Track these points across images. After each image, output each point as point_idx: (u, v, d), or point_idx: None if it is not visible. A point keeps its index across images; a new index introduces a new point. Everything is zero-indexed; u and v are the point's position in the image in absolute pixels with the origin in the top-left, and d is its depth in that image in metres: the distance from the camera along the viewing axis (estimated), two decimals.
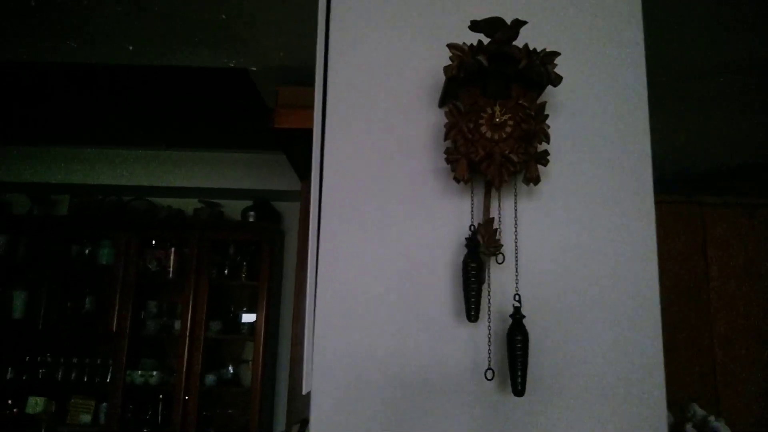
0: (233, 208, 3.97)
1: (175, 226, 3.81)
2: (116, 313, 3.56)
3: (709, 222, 2.72)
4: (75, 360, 3.60)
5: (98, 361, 3.59)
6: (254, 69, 2.15)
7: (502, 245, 0.93)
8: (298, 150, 2.05)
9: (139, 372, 3.54)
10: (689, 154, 3.17)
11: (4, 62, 2.28)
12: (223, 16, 1.76)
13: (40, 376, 3.57)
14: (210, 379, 3.56)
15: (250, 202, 3.91)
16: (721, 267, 2.69)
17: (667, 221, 2.70)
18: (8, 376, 3.55)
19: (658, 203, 1.03)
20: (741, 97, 2.40)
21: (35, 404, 3.45)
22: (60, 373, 3.58)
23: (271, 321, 3.71)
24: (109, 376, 3.54)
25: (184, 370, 3.51)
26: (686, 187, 3.60)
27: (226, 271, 3.75)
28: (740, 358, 2.59)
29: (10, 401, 3.58)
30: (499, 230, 0.94)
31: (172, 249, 3.73)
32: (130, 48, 1.98)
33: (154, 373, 3.55)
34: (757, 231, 2.72)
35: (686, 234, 2.71)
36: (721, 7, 1.76)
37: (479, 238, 0.93)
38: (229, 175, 3.76)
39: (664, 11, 1.76)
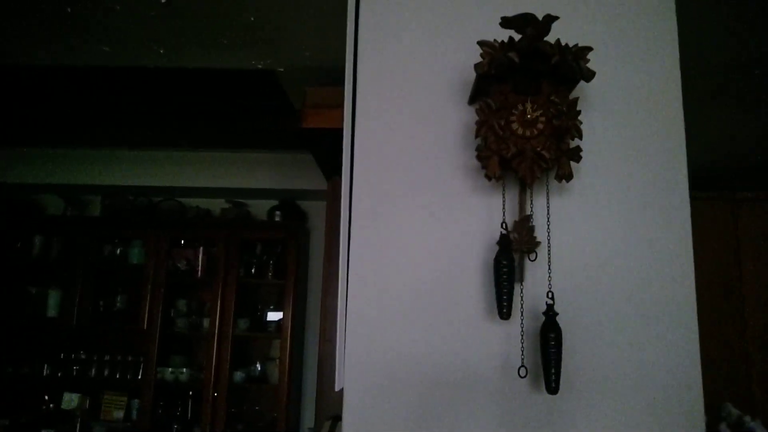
0: (260, 207, 4.01)
1: (203, 225, 3.87)
2: (147, 311, 3.63)
3: (742, 218, 2.66)
4: (107, 357, 3.68)
5: (130, 358, 3.66)
6: (281, 70, 2.17)
7: (538, 243, 0.93)
8: (325, 149, 2.06)
9: (170, 369, 3.60)
10: (722, 150, 3.11)
11: (41, 66, 2.34)
12: (252, 18, 1.78)
13: (74, 373, 3.66)
14: (238, 376, 3.61)
15: (276, 202, 3.95)
16: (756, 264, 2.63)
17: (699, 218, 2.64)
18: (44, 372, 3.65)
19: (691, 199, 1.01)
20: None
21: (70, 400, 3.53)
22: (93, 369, 3.66)
23: (298, 319, 3.74)
24: (140, 373, 3.61)
25: (213, 367, 3.56)
26: (718, 182, 3.52)
27: (253, 270, 3.79)
28: None
29: (46, 397, 3.68)
30: (533, 227, 0.94)
31: (201, 248, 3.78)
32: (161, 51, 2.02)
33: (184, 370, 3.61)
34: None
35: (718, 231, 2.66)
36: (755, 1, 1.72)
37: (514, 235, 0.93)
38: (255, 175, 3.79)
39: (697, 5, 1.72)
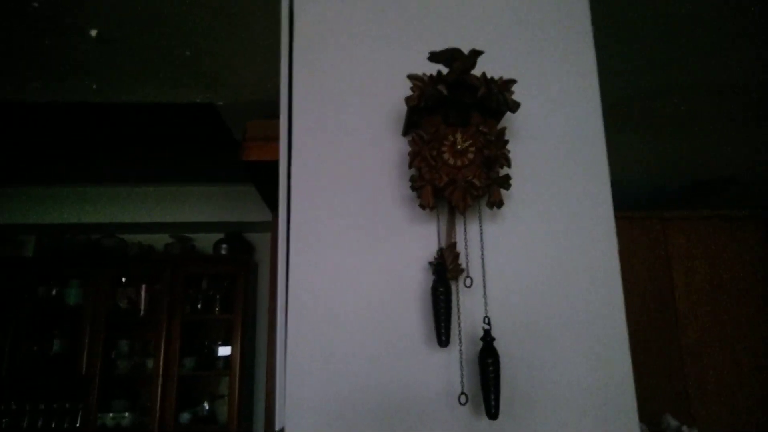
0: (205, 241, 3.93)
1: (146, 262, 3.75)
2: (86, 354, 3.46)
3: (671, 235, 2.80)
4: (42, 406, 3.46)
5: (67, 406, 3.46)
6: (221, 104, 2.16)
7: (464, 269, 0.95)
8: (267, 181, 2.05)
9: (111, 414, 3.43)
10: (652, 172, 3.28)
11: None
12: (187, 53, 1.77)
13: (3, 425, 3.42)
14: (185, 417, 3.47)
15: (222, 235, 3.88)
16: (686, 279, 2.77)
17: (631, 237, 2.77)
18: None
19: (622, 219, 1.06)
20: (694, 116, 2.50)
21: None
22: (26, 420, 3.44)
23: (247, 354, 3.65)
24: (78, 421, 3.42)
25: (158, 409, 3.41)
26: (649, 203, 3.70)
27: (199, 306, 3.69)
28: (709, 368, 2.64)
29: None
30: (464, 253, 0.96)
31: (143, 286, 3.66)
32: (94, 86, 1.98)
33: (126, 414, 3.45)
34: (718, 241, 2.80)
35: (650, 248, 2.79)
36: (670, 32, 1.85)
37: (445, 262, 0.94)
38: (199, 208, 3.72)
39: (616, 36, 1.83)
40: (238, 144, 2.09)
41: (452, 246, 0.96)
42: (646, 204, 3.63)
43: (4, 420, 3.43)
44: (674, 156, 2.96)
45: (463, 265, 0.96)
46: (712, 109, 2.42)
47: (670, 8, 1.71)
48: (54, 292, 3.66)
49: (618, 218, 1.04)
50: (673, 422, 2.16)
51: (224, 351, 3.65)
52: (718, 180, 3.29)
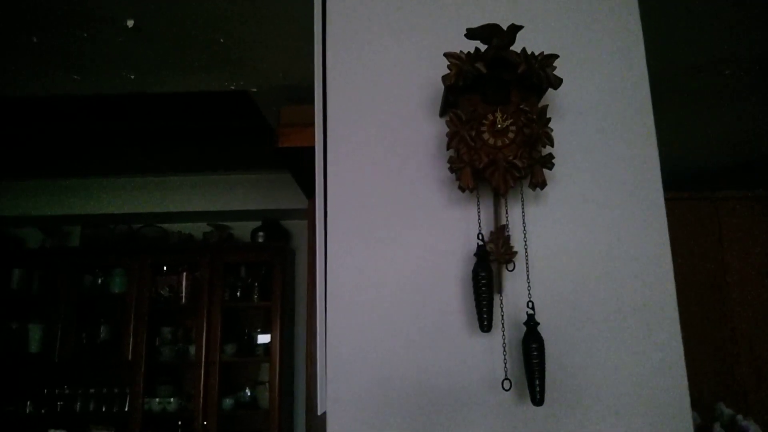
0: (243, 229, 3.98)
1: (185, 250, 3.83)
2: (131, 341, 3.57)
3: (724, 217, 2.68)
4: (92, 390, 3.60)
5: (115, 390, 3.58)
6: (255, 90, 2.16)
7: (515, 252, 0.92)
8: (303, 168, 2.05)
9: (157, 399, 3.53)
10: (701, 151, 3.15)
11: (11, 97, 2.31)
12: (221, 40, 1.77)
13: (58, 409, 3.57)
14: (228, 402, 3.54)
15: (259, 223, 3.92)
16: (739, 262, 2.65)
17: (682, 219, 2.66)
18: (27, 410, 3.56)
19: (671, 201, 1.01)
20: (746, 91, 2.38)
21: None
22: (78, 404, 3.58)
23: (286, 341, 3.70)
24: (127, 405, 3.54)
25: (202, 395, 3.49)
26: (700, 183, 3.56)
27: (238, 293, 3.74)
28: (765, 355, 2.53)
29: None
30: (509, 237, 0.93)
31: (184, 274, 3.73)
32: (132, 77, 2.00)
33: (172, 399, 3.54)
34: None
35: (701, 230, 2.68)
36: (720, 3, 1.75)
37: (490, 246, 0.91)
38: (236, 196, 3.77)
39: (662, 8, 1.75)
40: (273, 131, 2.10)
41: (501, 229, 0.93)
42: (697, 184, 3.49)
43: (59, 403, 3.57)
44: (726, 133, 2.83)
45: (515, 248, 0.92)
46: (764, 84, 2.30)
47: None
48: (99, 281, 3.77)
49: (668, 200, 0.99)
50: (727, 411, 2.08)
51: (264, 338, 3.70)
52: None
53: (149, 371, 3.58)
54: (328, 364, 0.94)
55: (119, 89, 2.16)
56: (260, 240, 3.84)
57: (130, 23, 1.66)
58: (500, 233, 0.92)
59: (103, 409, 3.56)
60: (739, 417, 1.99)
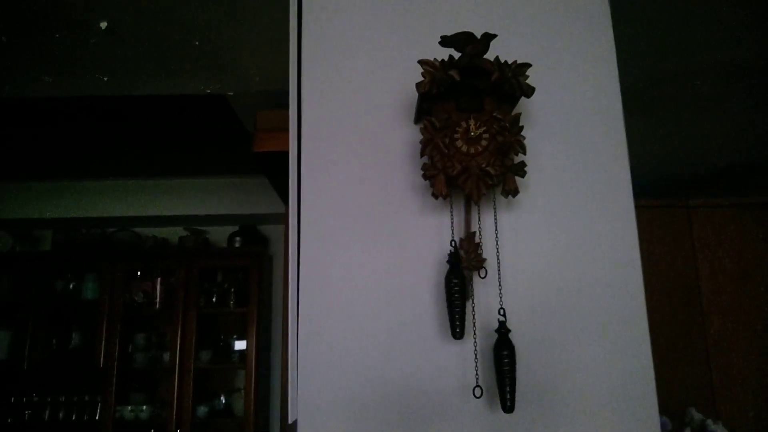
0: (219, 234, 3.94)
1: (160, 255, 3.77)
2: (103, 347, 3.50)
3: (696, 224, 2.73)
4: (62, 399, 3.51)
5: (86, 398, 3.51)
6: (231, 94, 2.15)
7: (485, 259, 0.92)
8: (280, 173, 2.04)
9: (129, 407, 3.47)
10: (675, 158, 3.21)
11: None
12: (197, 43, 1.75)
13: (26, 418, 3.48)
14: (202, 410, 3.49)
15: (236, 228, 3.88)
16: (712, 268, 2.70)
17: (655, 225, 2.70)
18: None
19: (645, 208, 1.03)
20: (719, 100, 2.43)
21: None
22: (47, 412, 3.49)
23: (262, 348, 3.66)
24: (98, 413, 3.46)
25: (175, 402, 3.44)
26: (673, 190, 3.63)
27: (214, 299, 3.70)
28: (735, 360, 2.58)
29: None
30: (480, 244, 0.93)
31: (159, 279, 3.68)
32: (105, 79, 1.97)
33: (144, 407, 3.48)
34: (745, 230, 2.73)
35: (675, 237, 2.72)
36: (691, 13, 1.79)
37: (461, 253, 0.92)
38: (213, 201, 3.73)
39: (634, 17, 1.78)
40: (250, 135, 2.08)
41: (471, 236, 0.93)
42: (670, 192, 3.55)
43: (26, 412, 3.48)
44: (697, 142, 2.88)
45: (483, 255, 0.93)
46: (734, 93, 2.35)
47: None
48: (71, 286, 3.69)
49: (640, 207, 1.00)
50: (697, 416, 2.12)
51: (240, 345, 3.66)
52: (743, 166, 3.21)
53: (122, 378, 3.51)
54: (300, 371, 0.93)
55: (93, 91, 2.12)
56: (237, 245, 3.80)
57: (104, 25, 1.64)
58: (470, 240, 0.93)
59: (73, 418, 3.48)
60: (709, 422, 2.03)
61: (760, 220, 2.74)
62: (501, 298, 0.91)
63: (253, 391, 3.47)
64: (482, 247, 0.94)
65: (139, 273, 3.73)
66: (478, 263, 0.91)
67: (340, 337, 0.94)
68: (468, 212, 0.95)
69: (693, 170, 3.37)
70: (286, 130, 1.11)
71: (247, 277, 3.69)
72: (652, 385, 0.93)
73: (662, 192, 3.42)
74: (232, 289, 3.69)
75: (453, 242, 0.92)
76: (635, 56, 2.00)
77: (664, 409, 0.94)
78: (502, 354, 0.86)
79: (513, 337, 0.88)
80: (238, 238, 3.81)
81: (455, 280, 0.89)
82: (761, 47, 2.00)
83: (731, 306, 2.66)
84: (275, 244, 4.00)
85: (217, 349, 3.66)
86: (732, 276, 2.69)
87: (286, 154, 1.09)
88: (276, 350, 3.83)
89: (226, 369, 3.72)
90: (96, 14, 1.64)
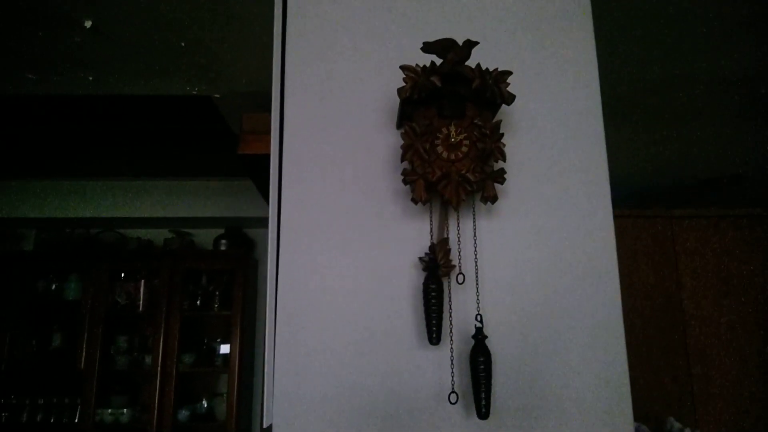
0: (205, 236, 3.91)
1: (144, 257, 3.73)
2: (84, 349, 3.45)
3: (679, 234, 2.76)
4: (41, 401, 3.46)
5: (66, 401, 3.46)
6: (218, 96, 2.14)
7: (455, 265, 0.93)
8: (264, 175, 2.03)
9: (109, 410, 3.42)
10: (658, 169, 3.24)
11: None
12: (183, 44, 1.75)
13: (3, 420, 3.42)
14: (183, 414, 3.46)
15: (221, 230, 3.86)
16: (694, 279, 2.73)
17: (638, 235, 2.73)
18: None
19: (628, 218, 1.03)
20: (701, 111, 2.46)
21: None
22: (25, 415, 3.44)
23: (246, 352, 3.63)
24: (77, 416, 3.41)
25: (157, 406, 3.40)
26: (657, 201, 3.66)
27: (198, 302, 3.67)
28: (716, 369, 2.60)
29: None
30: (456, 249, 0.93)
31: (142, 281, 3.64)
32: (90, 78, 1.96)
33: (125, 410, 3.43)
34: (726, 241, 2.76)
35: (657, 247, 2.75)
36: (674, 24, 1.82)
37: (437, 258, 0.92)
38: (199, 203, 3.70)
39: (616, 27, 1.80)
40: (236, 137, 2.07)
41: (444, 241, 0.93)
42: (653, 202, 3.59)
43: (3, 414, 3.43)
44: (680, 153, 2.92)
45: (455, 261, 0.93)
46: (717, 104, 2.39)
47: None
48: (53, 287, 3.65)
49: (624, 216, 1.01)
50: (677, 425, 2.13)
51: (224, 348, 3.63)
52: (725, 178, 3.25)
53: (102, 381, 3.47)
54: (276, 375, 0.93)
55: (77, 90, 2.11)
56: (223, 248, 3.78)
57: (88, 23, 1.63)
58: (442, 246, 0.93)
59: (52, 420, 3.43)
60: (688, 430, 2.04)
61: (743, 232, 2.77)
62: (478, 304, 0.91)
63: (235, 395, 3.44)
64: (461, 253, 0.94)
65: (122, 274, 3.69)
66: (446, 269, 0.92)
67: (317, 341, 0.94)
68: (444, 218, 0.95)
69: (676, 181, 3.40)
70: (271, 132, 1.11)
71: (232, 280, 3.66)
72: (628, 392, 0.93)
73: (646, 202, 3.46)
74: (217, 293, 3.67)
75: (431, 247, 0.92)
76: (619, 66, 2.03)
77: (644, 417, 0.95)
78: (479, 360, 0.86)
79: (490, 343, 0.88)
80: (223, 241, 3.79)
81: (433, 286, 0.89)
82: (744, 58, 2.03)
83: (712, 316, 2.69)
84: (261, 247, 3.98)
85: (200, 352, 3.63)
86: (713, 286, 2.72)
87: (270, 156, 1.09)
88: (260, 354, 3.81)
89: (208, 373, 3.68)
90: (81, 12, 1.63)
